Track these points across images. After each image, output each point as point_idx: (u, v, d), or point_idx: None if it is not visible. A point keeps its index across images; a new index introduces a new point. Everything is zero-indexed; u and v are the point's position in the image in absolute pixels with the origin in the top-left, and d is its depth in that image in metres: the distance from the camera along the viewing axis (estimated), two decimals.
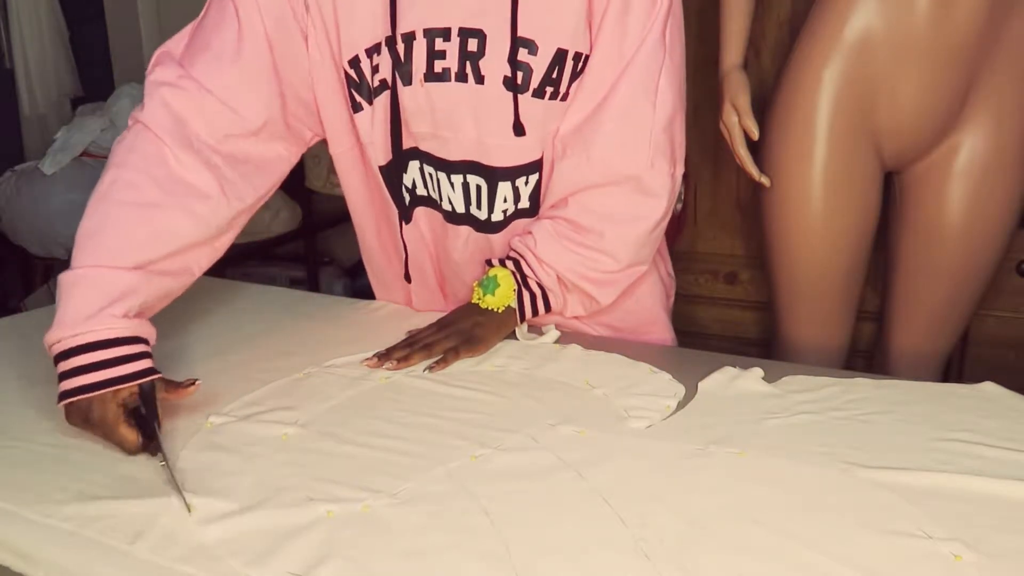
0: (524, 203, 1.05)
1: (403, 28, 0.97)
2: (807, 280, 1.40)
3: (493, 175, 1.03)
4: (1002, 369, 1.62)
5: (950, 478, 0.69)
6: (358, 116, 1.03)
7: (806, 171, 1.33)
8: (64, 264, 2.59)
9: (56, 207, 2.39)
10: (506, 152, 1.01)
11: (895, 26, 1.23)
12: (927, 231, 1.36)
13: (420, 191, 1.08)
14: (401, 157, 1.05)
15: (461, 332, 0.99)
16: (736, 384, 0.89)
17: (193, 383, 0.84)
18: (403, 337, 1.02)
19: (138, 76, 2.87)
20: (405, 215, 1.10)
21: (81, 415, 0.79)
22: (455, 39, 0.97)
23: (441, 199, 1.06)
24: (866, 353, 1.69)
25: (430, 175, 1.05)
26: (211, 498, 0.69)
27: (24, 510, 0.68)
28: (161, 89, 0.95)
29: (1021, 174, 1.31)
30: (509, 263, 1.04)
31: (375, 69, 1.00)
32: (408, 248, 1.12)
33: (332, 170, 1.91)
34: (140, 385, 0.81)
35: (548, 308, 1.05)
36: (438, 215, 1.09)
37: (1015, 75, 1.26)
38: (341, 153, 1.09)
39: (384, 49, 0.99)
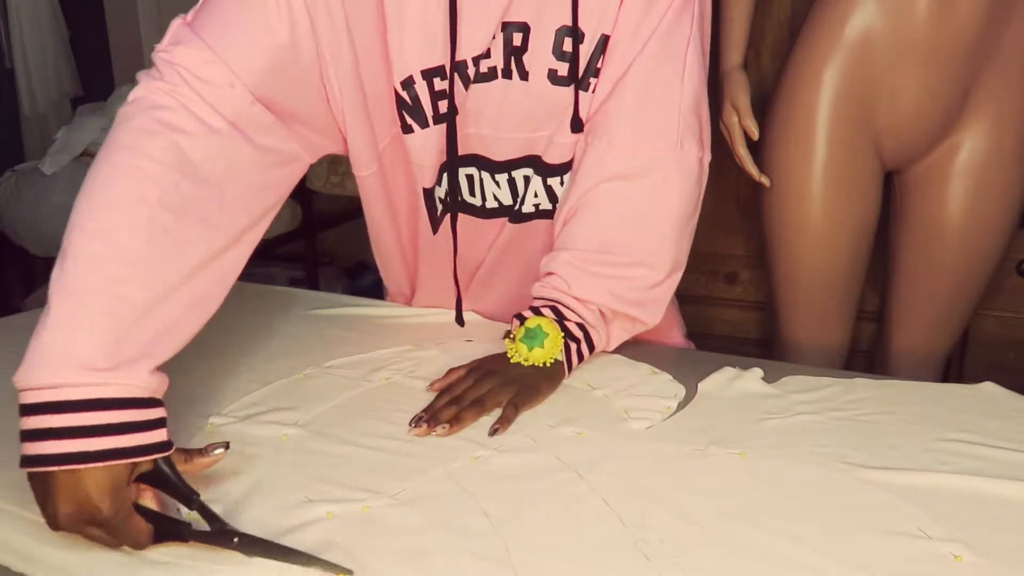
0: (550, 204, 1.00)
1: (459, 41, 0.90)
2: (807, 280, 1.40)
3: (541, 170, 0.98)
4: (1002, 369, 1.62)
5: (950, 478, 0.69)
6: (409, 138, 0.95)
7: (806, 171, 1.33)
8: None
9: (56, 207, 2.39)
10: (560, 150, 0.96)
11: (895, 26, 1.23)
12: (927, 231, 1.36)
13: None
14: (442, 172, 0.99)
15: (512, 381, 0.86)
16: (736, 384, 0.89)
17: (224, 448, 0.70)
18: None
19: None
20: (435, 226, 1.04)
21: (70, 493, 0.60)
22: (499, 35, 0.90)
23: (486, 199, 1.01)
24: (866, 353, 1.69)
25: (469, 177, 0.99)
26: (211, 499, 0.68)
27: (24, 510, 0.67)
28: None
29: (1021, 174, 1.31)
30: (547, 312, 0.92)
31: (439, 94, 0.92)
32: (428, 254, 1.07)
33: (332, 170, 1.91)
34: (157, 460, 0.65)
35: (591, 349, 0.94)
36: (468, 218, 1.03)
37: (1015, 75, 1.26)
38: (368, 176, 1.00)
39: (451, 72, 0.90)
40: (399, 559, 0.61)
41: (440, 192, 1.01)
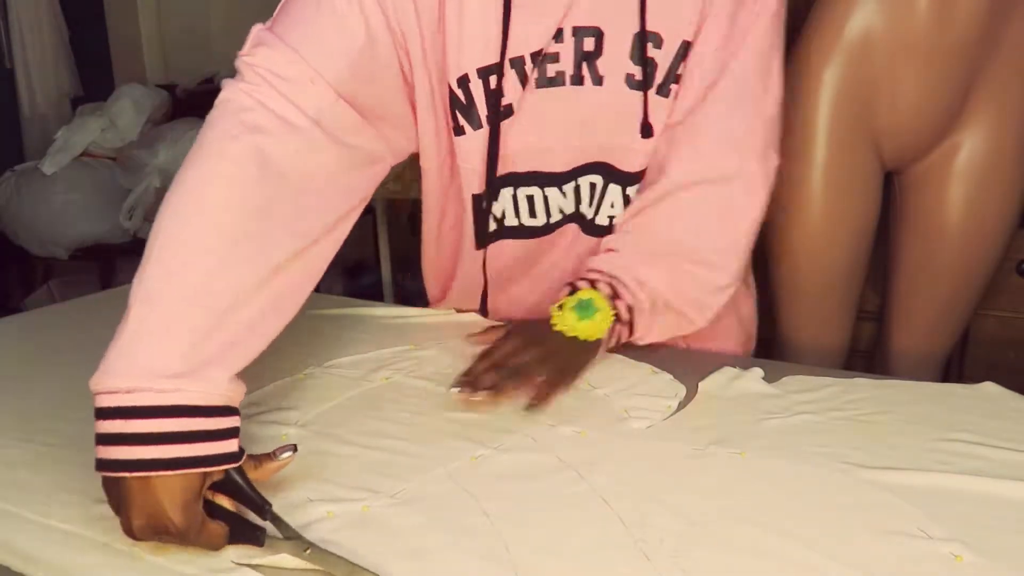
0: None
1: (511, 39, 0.89)
2: (807, 280, 1.40)
3: (611, 176, 0.96)
4: (1002, 369, 1.62)
5: (950, 478, 0.69)
6: (460, 140, 0.94)
7: (806, 171, 1.33)
8: (64, 264, 2.60)
9: (56, 207, 2.39)
10: (631, 156, 0.94)
11: (895, 26, 1.23)
12: (927, 231, 1.36)
13: (510, 220, 1.00)
14: (495, 184, 0.96)
15: (552, 354, 0.85)
16: (736, 384, 0.89)
17: (292, 451, 0.67)
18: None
19: (138, 76, 2.87)
20: (481, 242, 1.02)
21: (142, 501, 0.59)
22: (568, 39, 0.89)
23: (550, 214, 0.99)
24: (866, 353, 1.69)
25: (529, 198, 0.97)
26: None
27: (24, 510, 0.67)
28: None
29: (1021, 174, 1.31)
30: (603, 286, 0.91)
31: (495, 92, 0.90)
32: (468, 264, 1.05)
33: None
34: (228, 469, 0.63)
35: (630, 335, 0.94)
36: (523, 243, 1.01)
37: (1015, 75, 1.26)
38: (430, 169, 0.99)
39: (509, 71, 0.89)
40: (399, 559, 0.61)
41: (497, 210, 0.99)
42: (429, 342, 1.03)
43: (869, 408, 0.83)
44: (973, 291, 1.39)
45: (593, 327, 0.87)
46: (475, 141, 0.93)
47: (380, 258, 2.11)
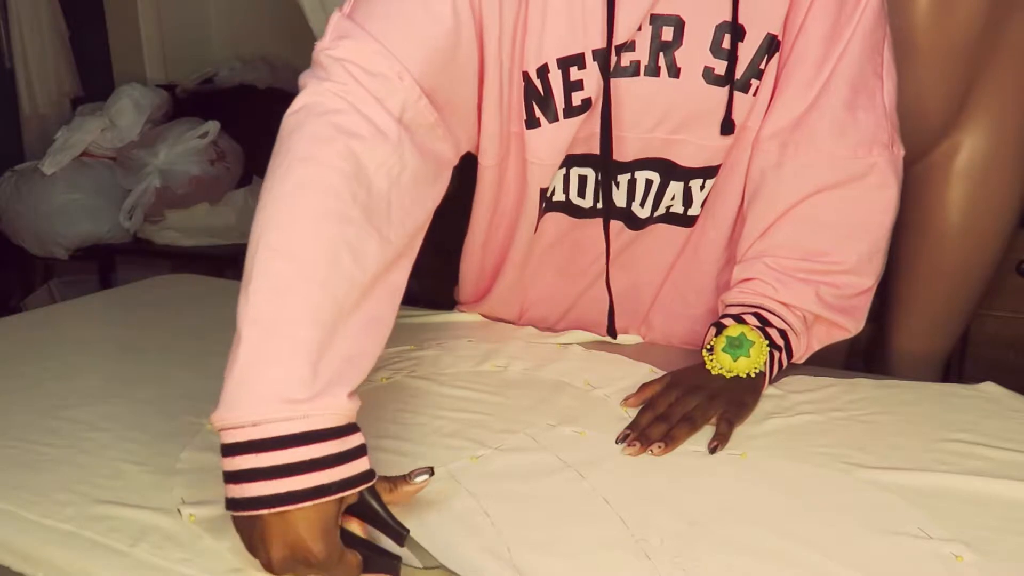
0: (693, 208, 0.95)
1: (590, 29, 0.85)
2: None
3: (671, 172, 0.92)
4: (1002, 369, 1.62)
5: (951, 478, 0.69)
6: (532, 133, 0.89)
7: None
8: (64, 264, 2.60)
9: (56, 207, 2.39)
10: (700, 152, 0.91)
11: (895, 26, 1.23)
12: (927, 231, 1.35)
13: (558, 196, 0.96)
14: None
15: (718, 395, 0.82)
16: None
17: (428, 473, 0.64)
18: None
19: (138, 76, 2.87)
20: (538, 224, 0.98)
21: (281, 536, 0.56)
22: (646, 28, 0.85)
23: (598, 199, 0.95)
24: (866, 353, 1.69)
25: (581, 178, 0.94)
26: (212, 499, 0.68)
27: (24, 510, 0.67)
28: None
29: (1021, 174, 1.31)
30: (750, 318, 0.88)
31: (573, 85, 0.87)
32: (519, 257, 1.01)
33: None
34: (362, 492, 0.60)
35: (790, 358, 0.90)
36: (566, 219, 0.97)
37: (1015, 75, 1.26)
38: (490, 168, 0.95)
39: (591, 62, 0.85)
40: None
41: (552, 194, 0.96)
42: (429, 342, 1.03)
43: (869, 408, 0.83)
44: (973, 291, 1.39)
45: (749, 362, 0.84)
46: (549, 134, 0.89)
47: None
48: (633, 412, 0.83)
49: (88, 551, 0.62)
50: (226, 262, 2.36)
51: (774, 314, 0.88)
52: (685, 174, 0.92)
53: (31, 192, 2.41)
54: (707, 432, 0.79)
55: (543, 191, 0.94)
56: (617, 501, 0.67)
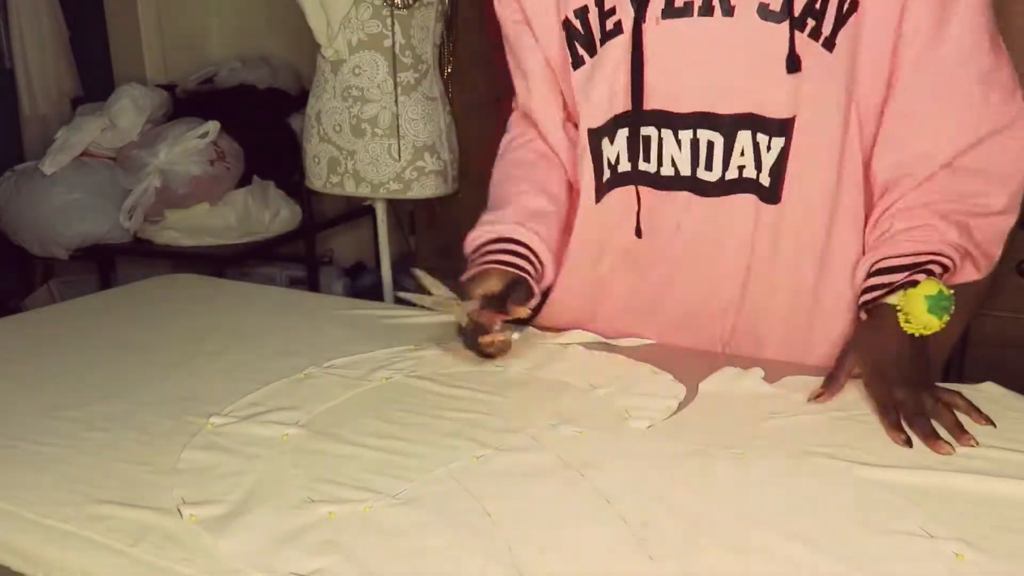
0: (762, 175, 0.89)
1: None
2: None
3: (732, 125, 0.88)
4: (1002, 369, 1.62)
5: (951, 478, 0.69)
6: (577, 73, 0.92)
7: None
8: (64, 264, 2.60)
9: (56, 207, 2.38)
10: (767, 94, 0.86)
11: None
12: None
13: (623, 166, 0.94)
14: (616, 120, 0.92)
15: (924, 381, 0.82)
16: (737, 384, 0.89)
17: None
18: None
19: (138, 76, 2.87)
20: (599, 193, 0.97)
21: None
22: None
23: (662, 163, 0.92)
24: None
25: (646, 139, 0.92)
26: (212, 499, 0.68)
27: (25, 510, 0.67)
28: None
29: None
30: (936, 267, 0.85)
31: (607, 12, 0.88)
32: (586, 236, 1.00)
33: (332, 170, 1.90)
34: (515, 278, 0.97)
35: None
36: (635, 193, 0.95)
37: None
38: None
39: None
40: (401, 559, 0.61)
41: (611, 152, 0.94)
42: (429, 342, 1.03)
43: (869, 408, 0.83)
44: (970, 290, 1.38)
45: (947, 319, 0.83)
46: (589, 69, 0.93)
47: (380, 258, 2.11)
48: (632, 412, 0.83)
49: (88, 551, 0.62)
50: (226, 262, 2.35)
51: (949, 258, 0.87)
52: (748, 123, 0.88)
53: (31, 192, 2.41)
54: (703, 432, 0.79)
55: (594, 136, 0.94)
56: (618, 501, 0.67)
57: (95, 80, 2.97)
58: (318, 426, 0.82)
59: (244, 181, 2.45)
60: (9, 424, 0.84)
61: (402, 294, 1.05)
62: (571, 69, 0.94)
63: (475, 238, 1.02)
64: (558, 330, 1.04)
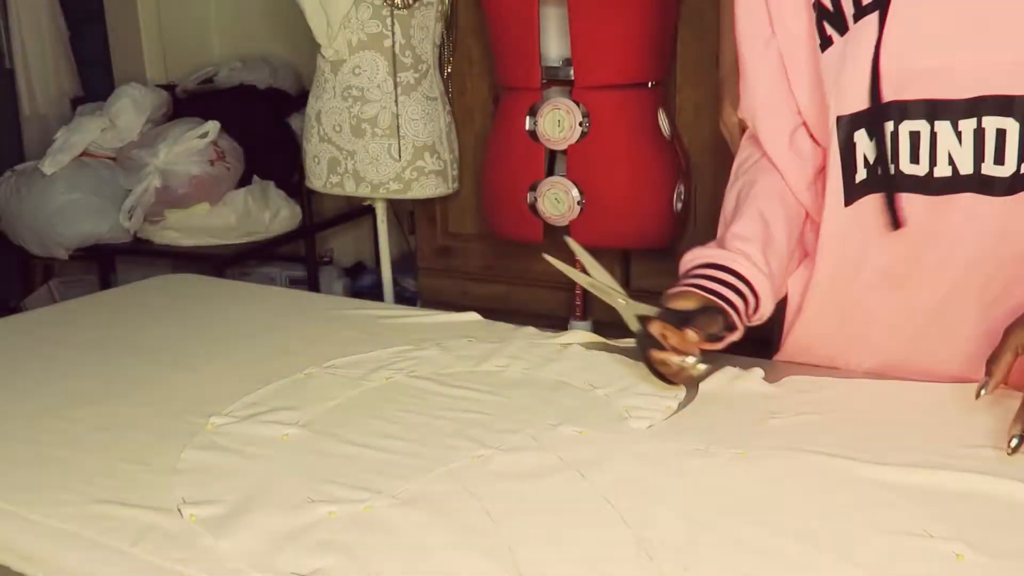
0: None
1: None
2: None
3: None
4: None
5: (951, 477, 0.69)
6: (826, 54, 0.82)
7: None
8: (64, 264, 2.59)
9: (56, 207, 2.38)
10: None
11: None
12: None
13: (883, 168, 0.81)
14: (880, 110, 0.79)
15: None
16: (737, 384, 0.89)
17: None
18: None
19: (138, 76, 2.87)
20: (849, 194, 0.84)
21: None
22: None
23: (935, 162, 0.78)
24: None
25: (913, 135, 0.78)
26: (212, 499, 0.68)
27: (25, 510, 0.67)
28: None
29: None
30: None
31: None
32: (832, 249, 0.88)
33: (332, 170, 1.90)
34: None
35: None
36: (897, 201, 0.81)
37: None
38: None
39: None
40: (401, 559, 0.61)
41: (868, 149, 0.81)
42: (429, 342, 1.03)
43: (870, 408, 0.83)
44: None
45: None
46: (841, 48, 0.81)
47: (380, 258, 2.11)
48: (632, 412, 0.83)
49: (88, 551, 0.62)
50: (226, 262, 2.35)
51: None
52: None
53: (31, 192, 2.41)
54: (704, 432, 0.79)
55: (843, 127, 0.82)
56: (618, 501, 0.67)
57: (95, 80, 2.97)
58: (318, 426, 0.82)
59: (244, 181, 2.45)
60: (9, 424, 0.84)
61: (550, 258, 0.97)
62: (819, 52, 0.83)
63: (689, 260, 0.92)
64: (807, 365, 0.94)
